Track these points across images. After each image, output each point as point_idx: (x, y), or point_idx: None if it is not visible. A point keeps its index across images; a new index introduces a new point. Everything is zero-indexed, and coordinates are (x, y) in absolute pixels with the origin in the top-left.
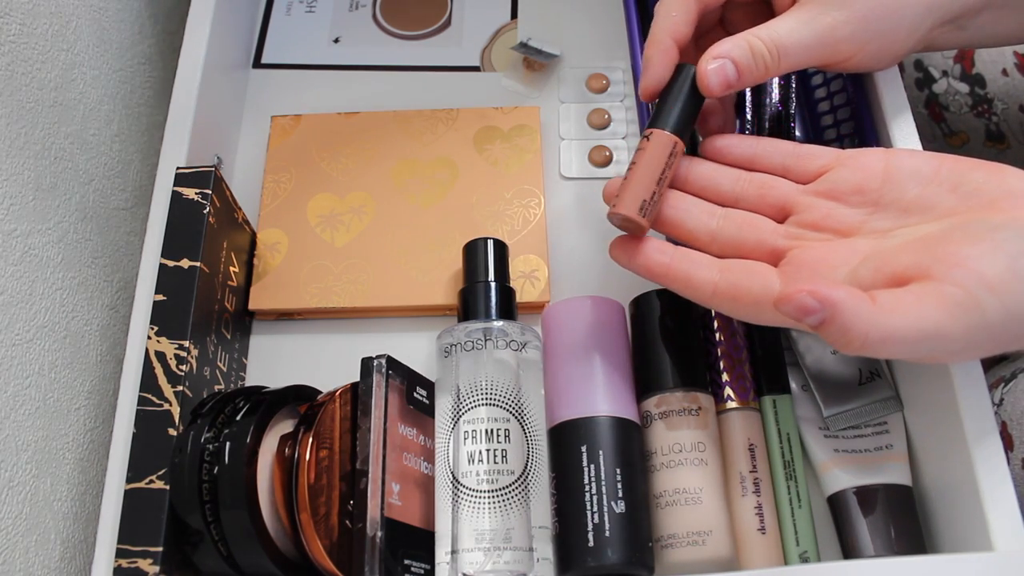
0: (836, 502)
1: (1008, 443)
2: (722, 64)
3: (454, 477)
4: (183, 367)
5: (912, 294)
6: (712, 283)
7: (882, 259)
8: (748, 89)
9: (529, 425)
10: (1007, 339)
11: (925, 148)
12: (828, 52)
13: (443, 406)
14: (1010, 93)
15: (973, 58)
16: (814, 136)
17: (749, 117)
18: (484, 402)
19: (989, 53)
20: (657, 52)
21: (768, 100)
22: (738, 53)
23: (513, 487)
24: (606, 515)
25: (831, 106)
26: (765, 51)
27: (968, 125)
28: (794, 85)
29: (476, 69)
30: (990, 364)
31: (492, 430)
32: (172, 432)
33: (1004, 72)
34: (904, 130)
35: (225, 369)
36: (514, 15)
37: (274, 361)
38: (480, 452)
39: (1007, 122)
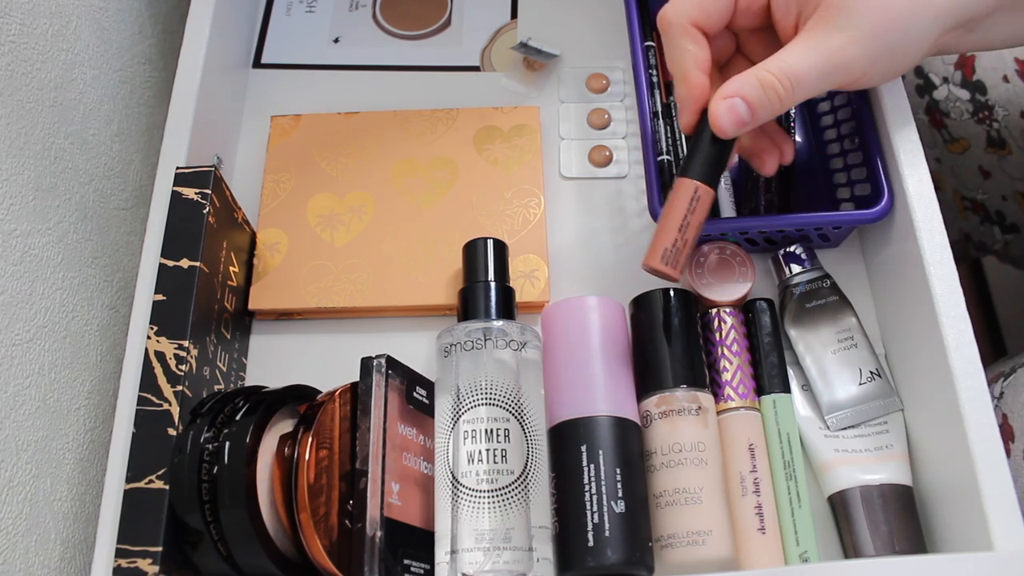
0: (836, 502)
1: (1009, 435)
2: (732, 104)
3: (454, 477)
4: (183, 367)
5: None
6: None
7: None
8: None
9: (529, 425)
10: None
11: (925, 154)
12: (841, 75)
13: (443, 406)
14: (1011, 99)
15: (974, 64)
16: (814, 137)
17: None
18: (484, 402)
19: (990, 59)
20: (689, 90)
21: None
22: (748, 90)
23: (513, 487)
24: (606, 515)
25: (831, 106)
26: (776, 83)
27: (969, 131)
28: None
29: (476, 69)
30: (988, 362)
31: (492, 430)
32: (172, 432)
33: (1005, 78)
34: (905, 133)
35: (225, 369)
36: (514, 15)
37: (274, 361)
38: (480, 452)
39: (1008, 128)
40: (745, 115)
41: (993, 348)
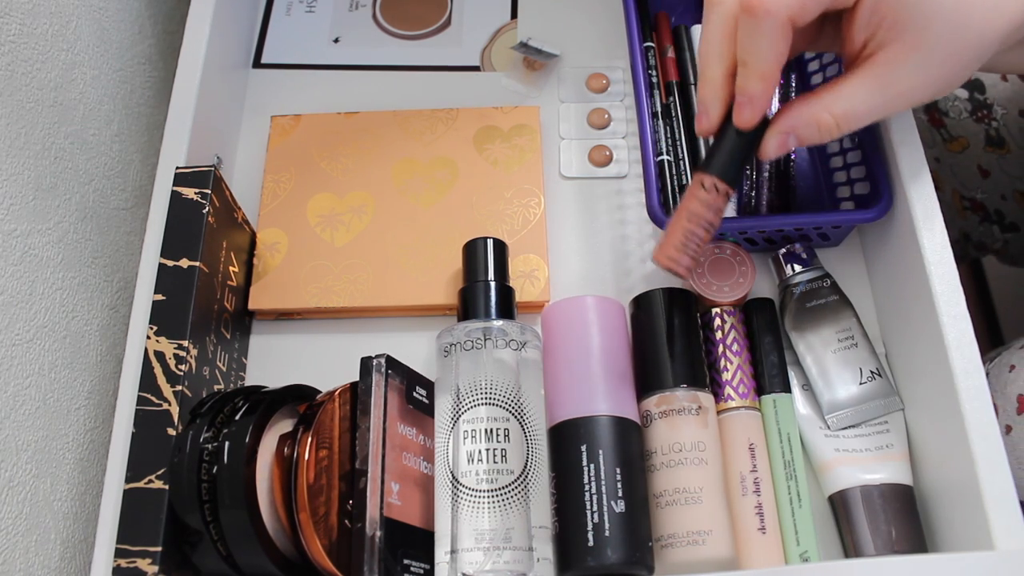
0: (836, 502)
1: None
2: (784, 140)
3: (454, 477)
4: (182, 367)
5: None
6: None
7: None
8: None
9: (529, 425)
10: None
11: (925, 153)
12: (896, 109)
13: (443, 406)
14: (1010, 98)
15: None
16: None
17: None
18: (484, 402)
19: None
20: (769, 90)
21: None
22: (804, 132)
23: (513, 487)
24: (606, 515)
25: None
26: (834, 128)
27: (968, 130)
28: (793, 84)
29: (476, 69)
30: (982, 353)
31: (492, 430)
32: (171, 432)
33: (1003, 77)
34: (905, 131)
35: (225, 369)
36: (514, 15)
37: (274, 361)
38: (480, 452)
39: (1007, 127)
40: (792, 146)
41: (993, 348)
